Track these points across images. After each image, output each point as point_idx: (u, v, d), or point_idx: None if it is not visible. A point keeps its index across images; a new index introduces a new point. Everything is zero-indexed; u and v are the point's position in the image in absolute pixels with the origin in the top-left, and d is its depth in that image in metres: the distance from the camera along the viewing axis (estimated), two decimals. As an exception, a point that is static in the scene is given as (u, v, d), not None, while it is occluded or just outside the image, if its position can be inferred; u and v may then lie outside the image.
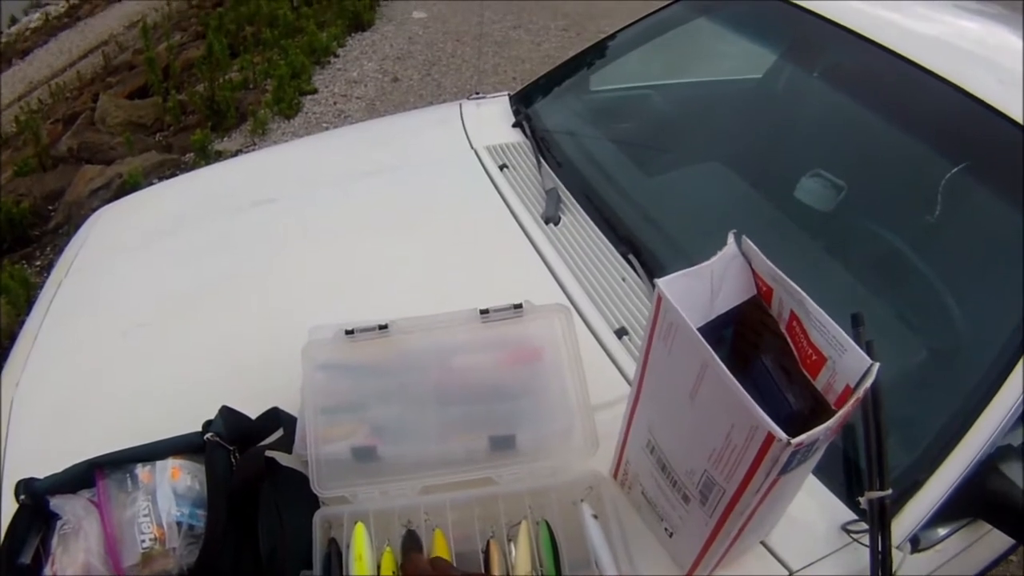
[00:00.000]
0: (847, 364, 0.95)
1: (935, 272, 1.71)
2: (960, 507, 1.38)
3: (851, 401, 0.92)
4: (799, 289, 1.00)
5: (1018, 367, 1.38)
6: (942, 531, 1.43)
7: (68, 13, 15.43)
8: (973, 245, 1.74)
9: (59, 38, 13.32)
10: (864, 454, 1.30)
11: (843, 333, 0.96)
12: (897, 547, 1.30)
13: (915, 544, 1.36)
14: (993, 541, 1.54)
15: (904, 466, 1.37)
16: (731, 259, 1.09)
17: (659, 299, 1.03)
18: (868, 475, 1.28)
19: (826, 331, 0.97)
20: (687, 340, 0.97)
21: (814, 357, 1.01)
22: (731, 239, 1.09)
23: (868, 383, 0.92)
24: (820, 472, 1.35)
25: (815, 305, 0.98)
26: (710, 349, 0.92)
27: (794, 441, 0.85)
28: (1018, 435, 1.49)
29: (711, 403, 0.97)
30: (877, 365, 0.91)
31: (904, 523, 1.33)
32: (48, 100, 8.17)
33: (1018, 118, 1.65)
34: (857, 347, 0.94)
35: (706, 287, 1.08)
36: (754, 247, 1.06)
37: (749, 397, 0.88)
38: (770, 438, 0.87)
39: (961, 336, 1.61)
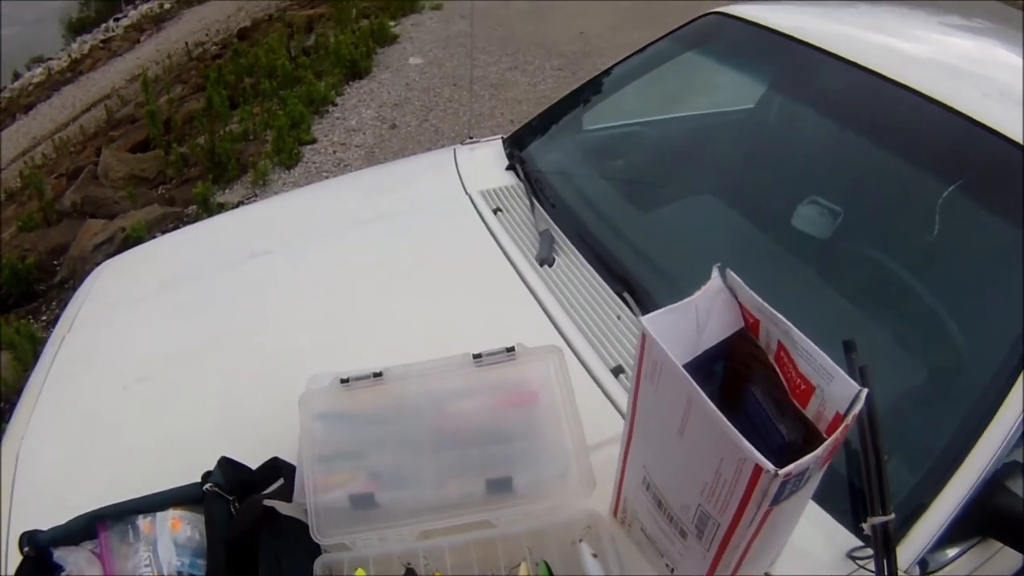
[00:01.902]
0: (835, 391, 0.96)
1: (933, 293, 1.72)
2: (968, 527, 1.38)
3: (840, 428, 0.93)
4: (784, 319, 1.01)
5: (1018, 384, 1.39)
6: (951, 552, 1.42)
7: (70, 67, 15.66)
8: (970, 263, 1.75)
9: (62, 92, 13.52)
10: (865, 479, 1.29)
11: (830, 361, 0.97)
12: (905, 571, 1.30)
13: (924, 567, 1.35)
14: (1006, 559, 1.53)
15: (908, 489, 1.38)
16: (716, 293, 1.10)
17: (643, 337, 1.04)
18: (870, 500, 1.27)
19: (813, 360, 0.99)
20: (672, 376, 0.99)
21: (803, 386, 1.02)
22: (715, 273, 1.10)
23: (857, 409, 0.93)
24: (823, 500, 1.35)
25: (801, 335, 0.99)
26: (694, 384, 0.94)
27: (782, 472, 0.86)
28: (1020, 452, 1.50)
29: (699, 438, 0.98)
30: (865, 391, 0.93)
31: (911, 546, 1.33)
32: (52, 154, 8.29)
33: (1004, 131, 1.67)
34: (844, 374, 0.95)
35: (691, 322, 1.09)
36: (739, 280, 1.08)
37: (735, 430, 0.89)
38: (758, 470, 0.88)
39: (961, 356, 1.62)
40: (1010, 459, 1.40)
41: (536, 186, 2.29)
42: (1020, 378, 1.39)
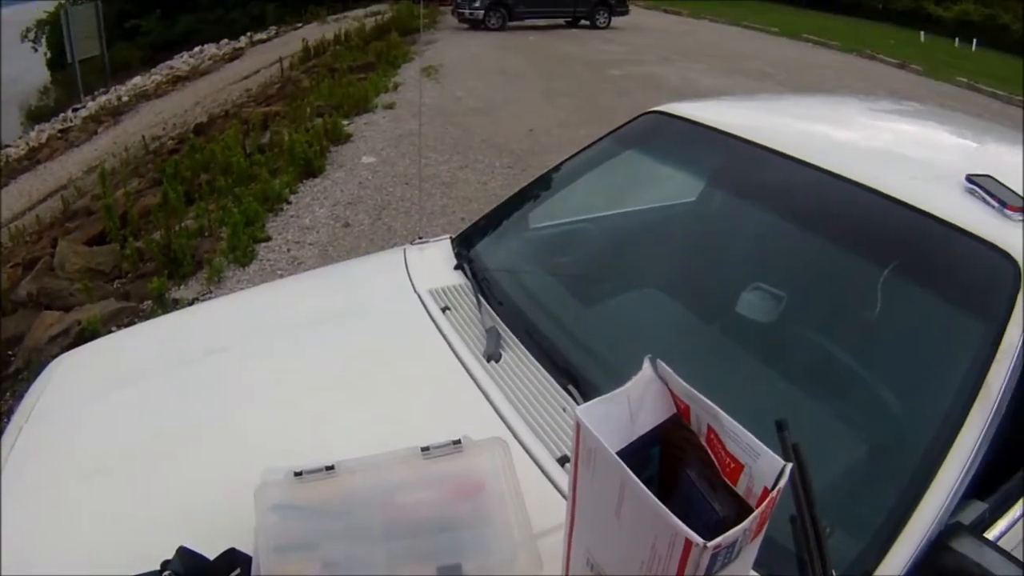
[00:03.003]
0: (762, 467, 1.03)
1: (873, 369, 1.80)
2: (917, 593, 1.43)
3: (767, 501, 0.99)
4: (712, 404, 1.08)
5: (955, 444, 1.46)
6: (904, 619, 1.46)
7: (28, 156, 15.64)
8: (906, 340, 1.82)
9: (19, 181, 13.46)
10: (806, 550, 1.32)
11: (756, 440, 1.03)
12: (858, 637, 1.34)
13: (875, 633, 1.39)
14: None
15: (853, 556, 1.42)
16: (648, 382, 1.17)
17: (578, 426, 1.10)
18: (812, 569, 1.31)
19: (740, 440, 1.05)
20: (606, 462, 1.05)
21: (732, 465, 1.08)
22: (647, 363, 1.17)
23: (783, 483, 0.99)
24: (768, 571, 1.38)
25: (728, 418, 1.06)
26: (625, 467, 1.00)
27: (711, 544, 0.92)
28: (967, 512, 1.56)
29: (635, 518, 1.03)
30: (790, 465, 0.99)
31: (861, 615, 1.36)
32: (8, 243, 8.22)
33: (934, 211, 1.78)
34: (769, 451, 1.02)
35: (624, 411, 1.15)
36: (668, 369, 1.15)
37: (664, 508, 0.95)
38: (688, 544, 0.93)
39: (901, 427, 1.69)
40: (952, 521, 1.45)
41: (483, 284, 2.36)
42: (956, 441, 1.47)
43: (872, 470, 1.66)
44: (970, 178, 1.83)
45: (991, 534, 1.60)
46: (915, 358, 1.76)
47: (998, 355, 1.55)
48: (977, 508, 1.61)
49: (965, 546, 1.39)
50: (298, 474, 1.41)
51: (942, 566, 1.39)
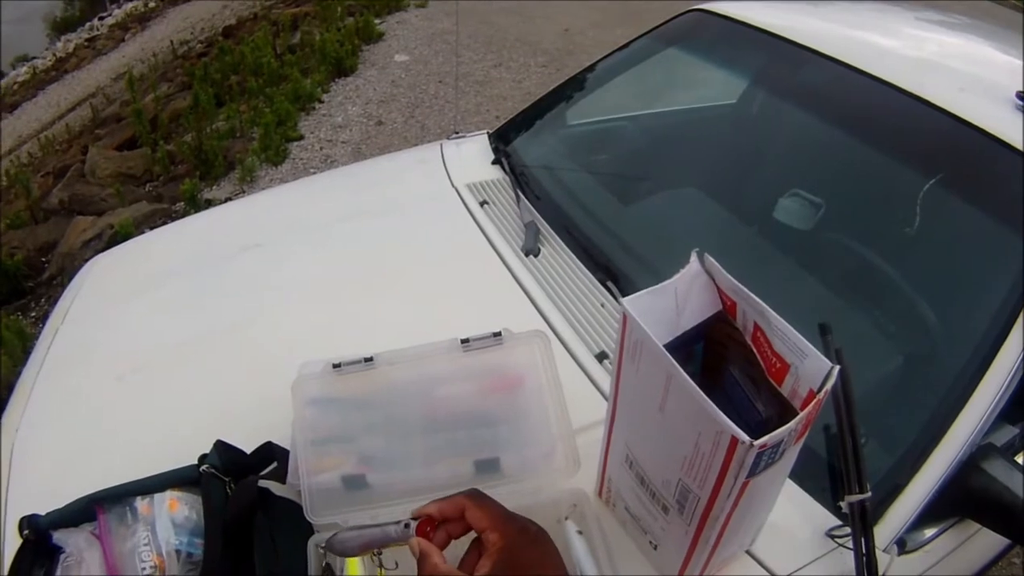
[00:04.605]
0: (809, 369, 1.00)
1: (910, 281, 1.76)
2: (945, 507, 1.42)
3: (813, 403, 0.96)
4: (760, 301, 1.05)
5: (991, 368, 1.43)
6: (929, 532, 1.46)
7: (55, 67, 15.58)
8: (946, 253, 1.79)
9: (47, 91, 13.46)
10: (841, 458, 1.32)
11: (803, 340, 1.00)
12: (884, 550, 1.34)
13: (902, 546, 1.39)
14: (983, 539, 1.57)
15: (885, 469, 1.41)
16: (695, 276, 1.14)
17: (625, 318, 1.08)
18: (847, 479, 1.30)
19: (787, 339, 1.02)
20: (652, 355, 1.02)
21: (778, 365, 1.05)
22: (694, 257, 1.14)
23: (829, 385, 0.96)
24: (803, 479, 1.39)
25: (775, 315, 1.03)
26: (673, 361, 0.97)
27: (757, 443, 0.90)
28: (999, 434, 1.54)
29: (679, 413, 1.01)
30: (837, 367, 0.96)
31: (889, 526, 1.36)
32: (38, 153, 8.27)
33: (980, 124, 1.72)
34: (817, 351, 0.98)
35: (671, 304, 1.12)
36: (716, 263, 1.11)
37: (712, 404, 0.92)
38: (734, 441, 0.91)
39: (936, 342, 1.66)
40: (985, 442, 1.43)
41: (521, 179, 2.33)
42: (994, 362, 1.43)
43: (907, 384, 1.64)
44: (1020, 95, 1.75)
45: (1021, 458, 1.59)
46: (955, 274, 1.73)
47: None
48: (1009, 432, 1.60)
49: (996, 468, 1.38)
50: (336, 366, 1.39)
51: (971, 486, 1.38)
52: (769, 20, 2.35)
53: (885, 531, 1.36)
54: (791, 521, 1.37)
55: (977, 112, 1.76)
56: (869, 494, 1.29)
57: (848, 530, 1.31)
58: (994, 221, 1.66)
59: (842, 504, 1.32)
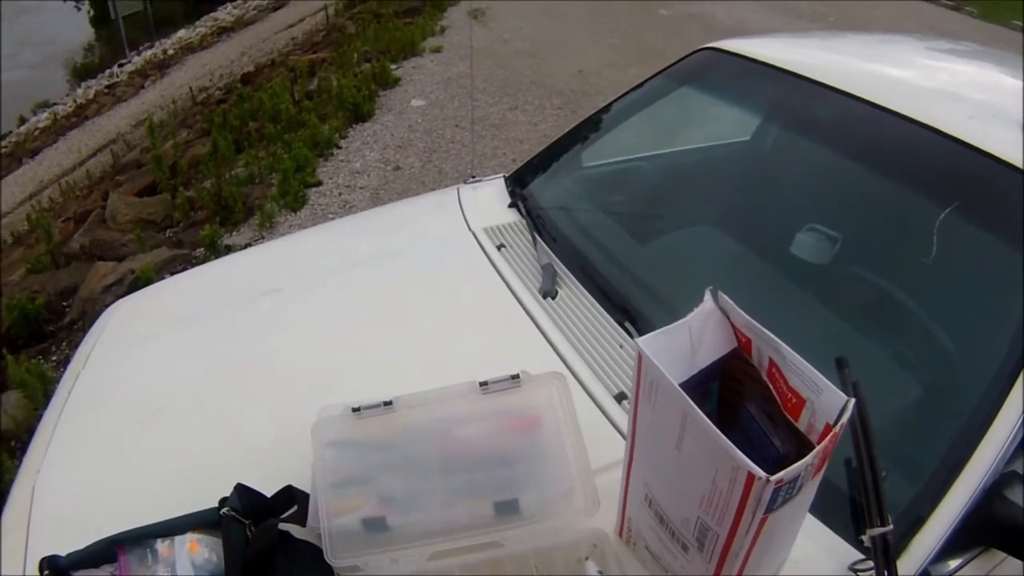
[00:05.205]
0: (825, 403, 1.00)
1: (928, 311, 1.76)
2: (969, 537, 1.40)
3: (829, 437, 0.97)
4: (774, 337, 1.06)
5: (1012, 395, 1.42)
6: (953, 563, 1.44)
7: (76, 113, 15.75)
8: (962, 282, 1.79)
9: (68, 137, 13.59)
10: (862, 491, 1.32)
11: (818, 374, 1.01)
12: (908, 582, 1.33)
13: (927, 578, 1.38)
14: (1008, 568, 1.54)
15: (907, 501, 1.40)
16: (709, 315, 1.15)
17: (640, 357, 1.08)
18: (868, 512, 1.30)
19: (803, 374, 1.03)
20: (668, 394, 1.03)
21: (794, 400, 1.06)
22: (708, 295, 1.15)
23: (845, 418, 0.97)
24: (824, 514, 1.38)
25: (790, 350, 1.04)
26: (688, 399, 0.98)
27: (773, 478, 0.90)
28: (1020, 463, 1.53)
29: (695, 451, 1.02)
30: (853, 400, 0.97)
31: (912, 558, 1.35)
32: (59, 198, 8.35)
33: (992, 151, 1.73)
34: (832, 386, 0.99)
35: (685, 343, 1.13)
36: (730, 301, 1.12)
37: (727, 440, 0.93)
38: (751, 477, 0.92)
39: (956, 371, 1.66)
40: (1008, 470, 1.42)
41: (538, 222, 2.34)
42: (1013, 390, 1.43)
43: (927, 415, 1.63)
44: None
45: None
46: (972, 302, 1.73)
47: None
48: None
49: (1019, 495, 1.37)
50: (356, 410, 1.41)
51: (995, 515, 1.37)
52: (779, 56, 2.37)
53: (909, 564, 1.34)
54: (813, 556, 1.35)
55: (987, 138, 1.77)
56: (891, 527, 1.28)
57: (871, 564, 1.30)
58: (1009, 246, 1.67)
59: (864, 538, 1.31)
